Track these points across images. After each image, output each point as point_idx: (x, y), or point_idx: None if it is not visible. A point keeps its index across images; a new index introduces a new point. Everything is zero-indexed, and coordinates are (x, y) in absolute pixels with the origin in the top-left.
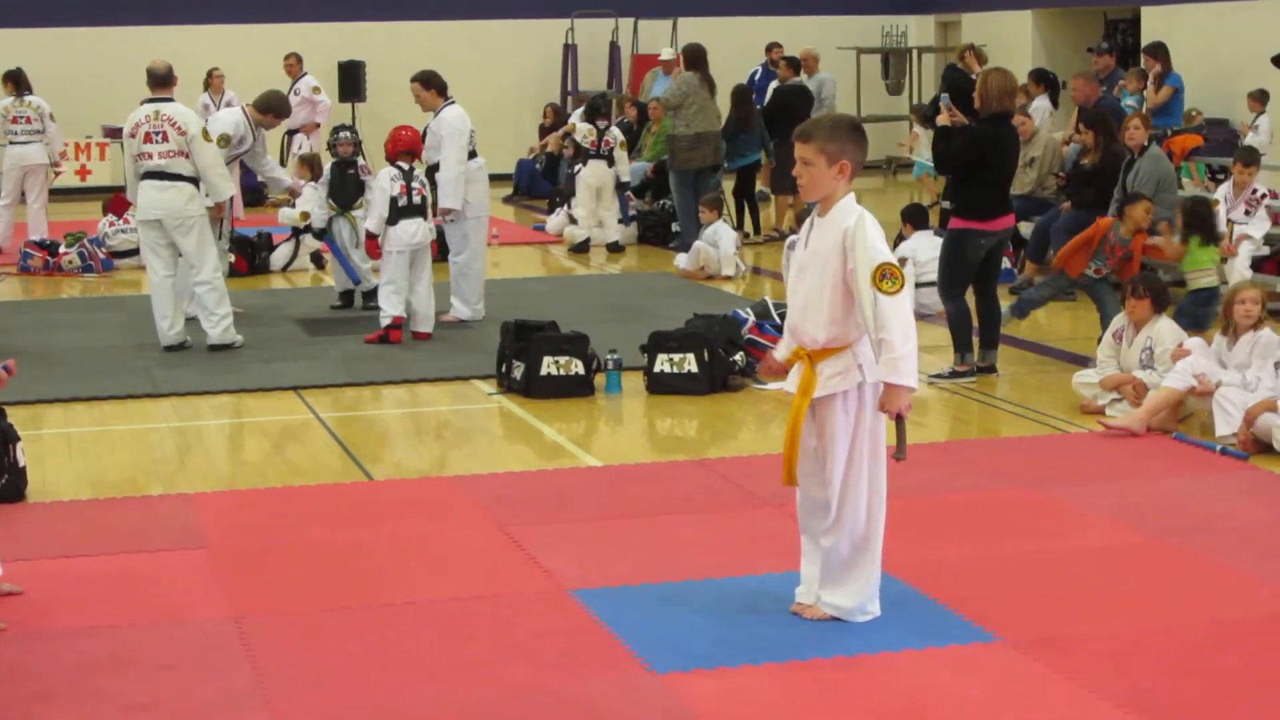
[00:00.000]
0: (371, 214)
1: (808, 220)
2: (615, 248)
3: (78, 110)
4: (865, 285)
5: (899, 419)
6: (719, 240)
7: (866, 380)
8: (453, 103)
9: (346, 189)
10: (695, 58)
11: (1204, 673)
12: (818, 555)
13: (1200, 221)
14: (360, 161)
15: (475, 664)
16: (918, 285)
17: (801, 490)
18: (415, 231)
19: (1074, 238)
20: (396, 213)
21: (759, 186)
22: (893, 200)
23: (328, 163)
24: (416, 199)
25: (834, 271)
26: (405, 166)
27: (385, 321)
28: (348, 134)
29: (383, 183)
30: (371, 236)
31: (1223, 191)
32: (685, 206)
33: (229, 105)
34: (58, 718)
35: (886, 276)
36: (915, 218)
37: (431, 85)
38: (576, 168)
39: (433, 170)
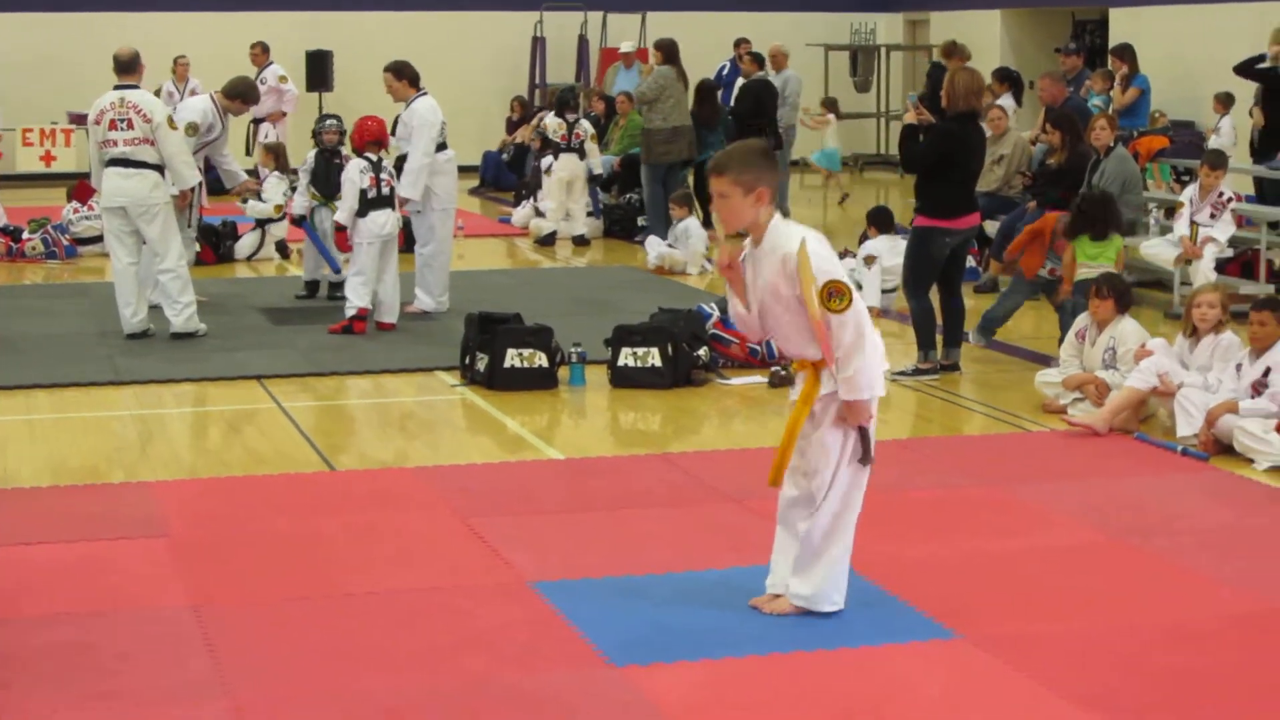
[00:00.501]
0: (342, 206)
1: (744, 255)
2: (581, 241)
3: (43, 96)
4: (815, 308)
5: (861, 429)
6: (689, 237)
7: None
8: (425, 94)
9: (330, 178)
10: (670, 52)
11: (1163, 672)
12: (792, 547)
13: (1089, 222)
14: (344, 151)
15: (435, 655)
16: (883, 291)
17: (788, 483)
18: (385, 222)
19: (1022, 234)
20: (366, 204)
21: None
22: (859, 197)
23: (311, 151)
24: (385, 190)
25: (787, 298)
26: (374, 158)
27: (350, 312)
28: (334, 122)
29: (352, 174)
30: (341, 228)
31: (1188, 194)
32: (655, 200)
33: (193, 93)
34: (17, 705)
35: (834, 295)
36: (880, 220)
37: (403, 76)
38: (546, 162)
39: (402, 161)
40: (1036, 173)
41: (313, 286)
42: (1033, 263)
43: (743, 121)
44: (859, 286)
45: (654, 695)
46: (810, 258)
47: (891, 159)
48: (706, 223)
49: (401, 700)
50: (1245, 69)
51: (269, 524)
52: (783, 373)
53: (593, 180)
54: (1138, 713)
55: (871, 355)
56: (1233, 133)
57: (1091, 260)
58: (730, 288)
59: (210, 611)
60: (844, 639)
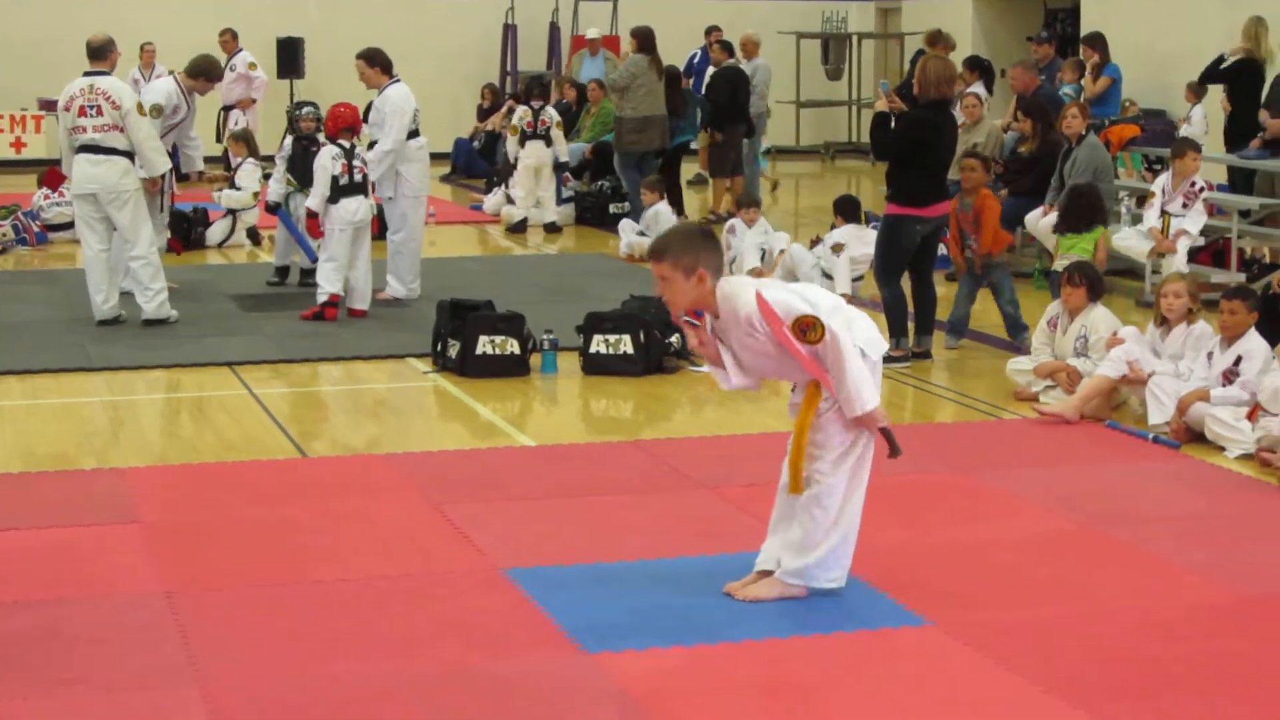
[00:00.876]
0: (313, 192)
1: (709, 327)
2: (552, 228)
3: (13, 82)
4: (797, 347)
5: (883, 430)
6: (660, 222)
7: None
8: (398, 81)
9: (307, 165)
10: (646, 40)
11: (1131, 660)
12: (784, 525)
13: (1077, 215)
14: (320, 138)
15: (407, 642)
16: (853, 279)
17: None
18: (357, 209)
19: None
20: (338, 191)
21: (697, 170)
22: (829, 185)
23: (288, 138)
24: (358, 176)
25: (767, 347)
26: (346, 145)
27: (322, 298)
28: (311, 110)
29: (324, 161)
30: (312, 215)
31: (1160, 183)
32: (634, 187)
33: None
34: None
35: (805, 329)
36: (846, 209)
37: (376, 63)
38: (512, 150)
39: (373, 147)
40: (1008, 161)
41: (284, 272)
42: (953, 249)
43: (719, 109)
44: (828, 276)
45: (627, 681)
46: (771, 307)
47: (863, 147)
48: (678, 209)
49: (373, 687)
50: (1209, 75)
51: (241, 510)
52: None
53: (559, 168)
54: (1107, 700)
55: (859, 368)
56: (1204, 122)
57: (1068, 250)
58: (712, 366)
59: (181, 598)
60: (816, 625)
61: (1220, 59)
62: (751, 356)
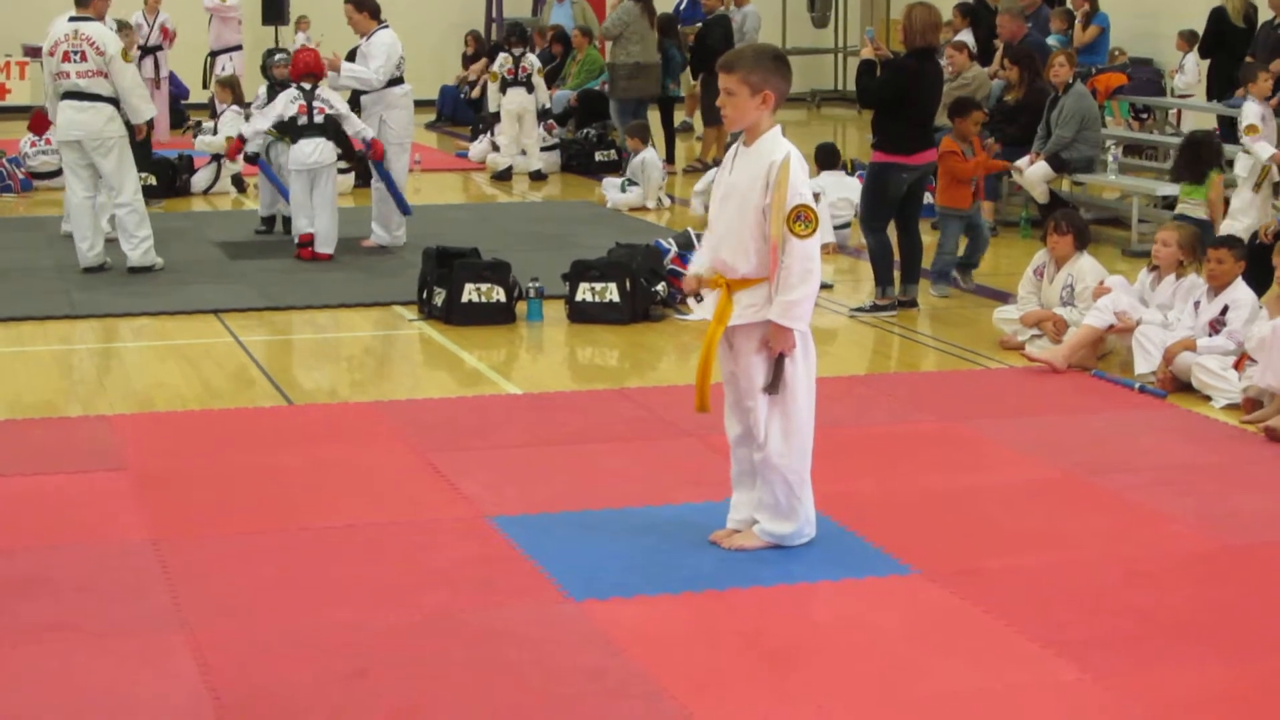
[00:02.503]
0: (252, 123)
1: (732, 148)
2: (538, 176)
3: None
4: (780, 224)
5: (781, 357)
6: (646, 170)
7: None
8: (386, 26)
9: None
10: None
11: (1118, 609)
12: (747, 480)
13: (1192, 165)
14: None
15: (392, 589)
16: (835, 227)
17: (727, 417)
18: (313, 151)
19: (943, 179)
20: (296, 132)
21: (682, 118)
22: (816, 133)
23: (262, 86)
24: (318, 118)
25: (754, 204)
26: (307, 87)
27: (295, 238)
28: (283, 56)
29: (279, 104)
30: (240, 139)
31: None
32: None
33: (164, 28)
34: None
35: (800, 219)
36: (825, 158)
37: (364, 8)
38: (494, 97)
39: (359, 93)
40: (994, 109)
41: (269, 221)
42: (963, 195)
43: (713, 57)
44: None
45: (612, 629)
46: (790, 174)
47: (848, 95)
48: (669, 156)
49: (359, 634)
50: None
51: (227, 458)
52: None
53: (542, 115)
54: (1093, 649)
55: (815, 288)
56: (1196, 70)
57: (1188, 198)
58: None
59: (168, 545)
60: (802, 574)
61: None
62: (735, 201)
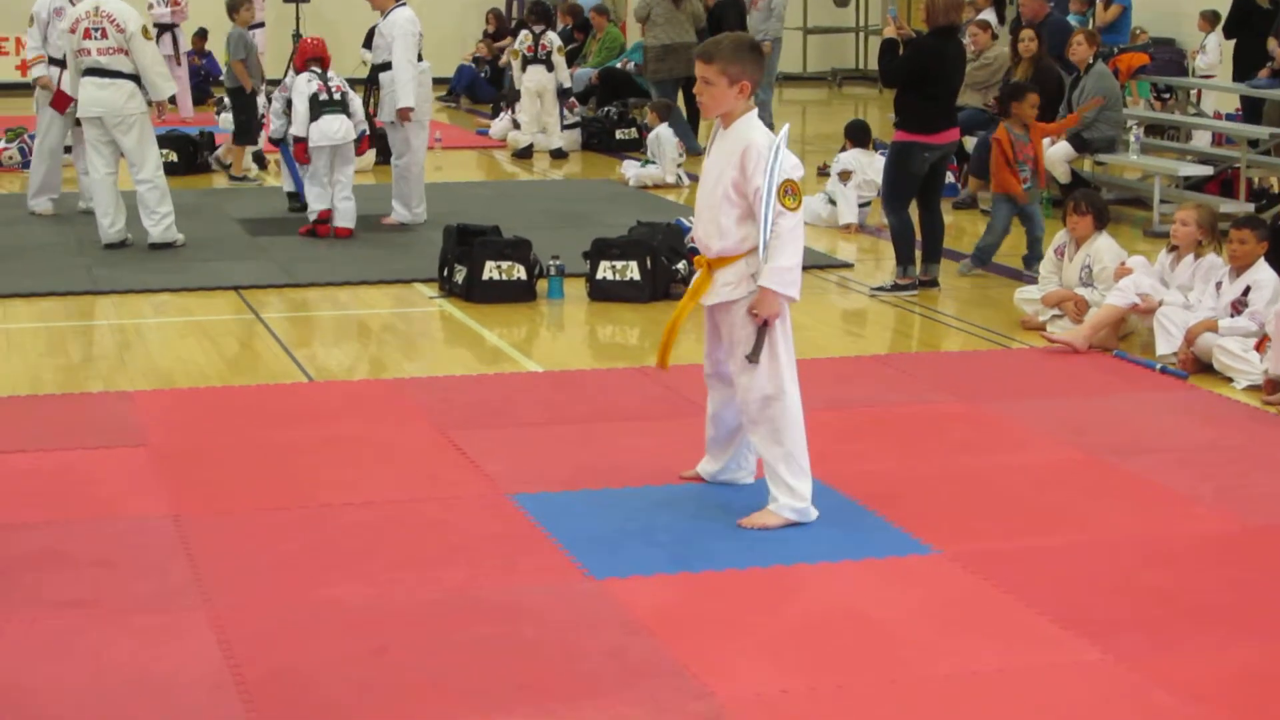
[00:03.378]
0: (295, 117)
1: (713, 132)
2: (558, 154)
3: (16, 4)
4: (772, 198)
5: (765, 324)
6: (662, 145)
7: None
8: (404, 4)
9: None
10: None
11: (1138, 590)
12: (718, 447)
13: None
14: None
15: (412, 566)
16: (859, 206)
17: (712, 390)
18: (339, 128)
19: (992, 165)
20: (318, 108)
21: None
22: (837, 112)
23: (292, 73)
24: (336, 95)
25: (726, 183)
26: (317, 70)
27: (312, 217)
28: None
29: (300, 86)
30: (299, 140)
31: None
32: (676, 113)
33: (175, 2)
34: None
35: (789, 193)
36: (856, 135)
37: None
38: (516, 78)
39: (378, 70)
40: (1001, 89)
41: (296, 197)
42: (1012, 182)
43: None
44: (832, 203)
45: (633, 608)
46: (781, 152)
47: (870, 74)
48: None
49: (378, 611)
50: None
51: (247, 434)
52: None
53: (562, 94)
54: (1114, 629)
55: (800, 261)
56: (1218, 50)
57: None
58: None
59: (189, 520)
60: (822, 554)
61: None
62: (712, 182)
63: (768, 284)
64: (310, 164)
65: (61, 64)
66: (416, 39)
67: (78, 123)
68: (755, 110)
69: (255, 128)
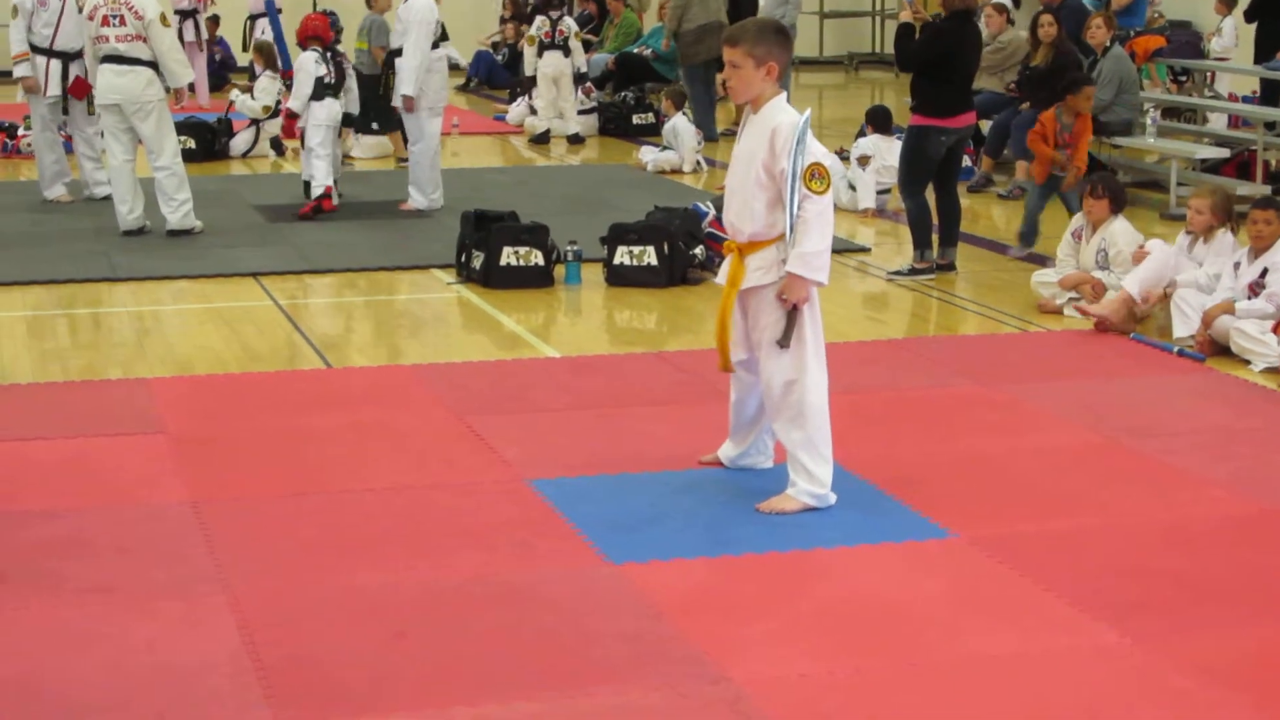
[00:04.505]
0: (295, 93)
1: (743, 116)
2: (575, 139)
3: None
4: (798, 182)
5: (794, 309)
6: (679, 134)
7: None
8: None
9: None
10: None
11: (1156, 573)
12: (742, 433)
13: None
14: (340, 49)
15: (431, 552)
16: (877, 192)
17: (734, 378)
18: (338, 110)
19: (1032, 143)
20: (323, 89)
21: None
22: (854, 96)
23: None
24: (333, 79)
25: (757, 167)
26: (319, 49)
27: (318, 191)
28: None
29: (307, 65)
30: (292, 116)
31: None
32: (698, 99)
33: None
34: (13, 599)
35: (816, 176)
36: (878, 119)
37: None
38: (531, 60)
39: (393, 55)
40: (1021, 74)
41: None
42: (1041, 153)
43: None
44: (852, 188)
45: (652, 593)
46: (807, 136)
47: (886, 58)
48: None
49: (397, 596)
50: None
51: (266, 421)
52: None
53: (579, 79)
54: (1132, 612)
55: (829, 245)
56: (1235, 34)
57: None
58: None
59: (208, 507)
60: (841, 538)
61: None
62: (743, 165)
63: (795, 269)
64: (313, 137)
65: (47, 52)
66: (432, 27)
67: (65, 110)
68: (784, 94)
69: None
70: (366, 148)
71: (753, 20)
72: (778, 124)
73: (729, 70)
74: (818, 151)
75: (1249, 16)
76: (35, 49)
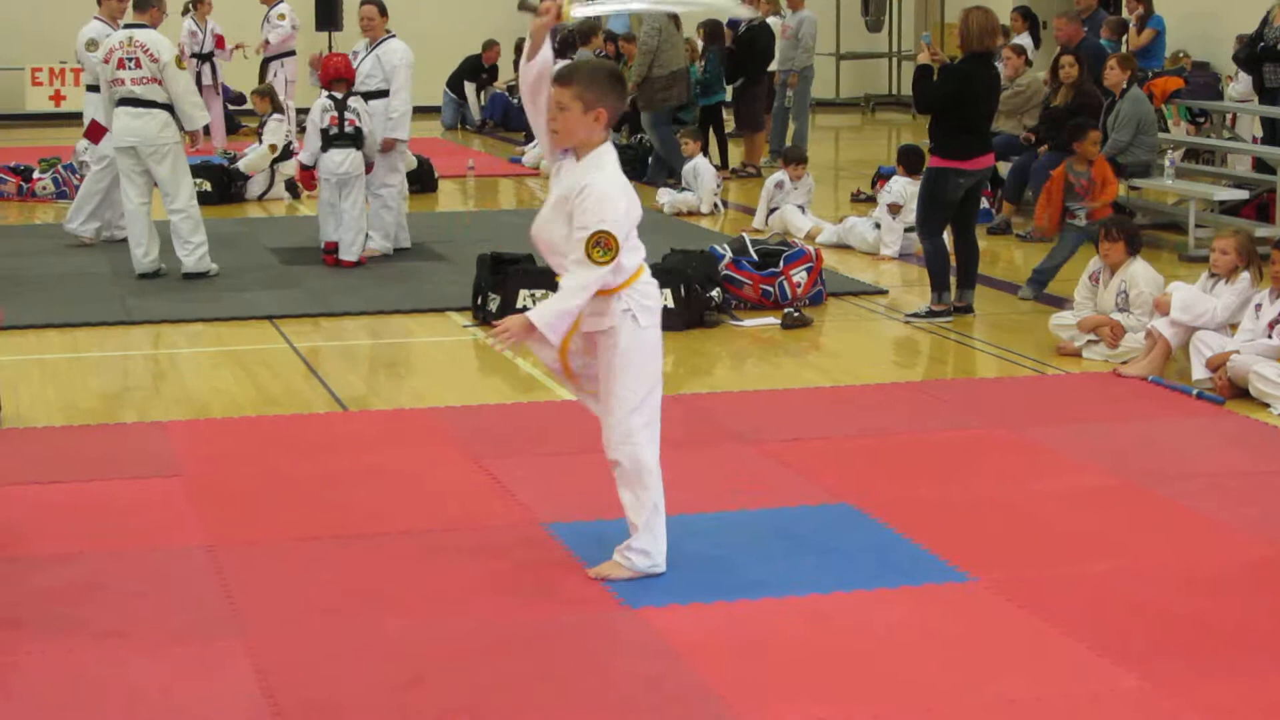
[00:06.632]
0: (305, 146)
1: (562, 160)
2: None
3: (52, 33)
4: (579, 247)
5: (496, 335)
6: (699, 175)
7: (625, 324)
8: (394, 35)
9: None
10: None
11: (1176, 617)
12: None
13: None
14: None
15: (447, 596)
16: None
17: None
18: (342, 161)
19: (1041, 198)
20: (327, 141)
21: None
22: (870, 138)
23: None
24: (349, 129)
25: (562, 218)
26: (339, 96)
27: (321, 246)
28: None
29: (314, 115)
30: (305, 168)
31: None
32: (668, 142)
33: (215, 35)
34: (28, 644)
35: (599, 245)
36: (909, 160)
37: (385, 13)
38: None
39: (365, 97)
40: (1042, 116)
41: None
42: (1055, 219)
43: (754, 63)
44: (876, 225)
45: (669, 636)
46: (601, 198)
47: (903, 99)
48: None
49: (415, 641)
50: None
51: (282, 464)
52: (796, 314)
53: None
54: (1151, 657)
55: (574, 306)
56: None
57: None
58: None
59: (224, 551)
60: (859, 581)
61: (1258, 35)
62: (549, 214)
63: (532, 315)
64: (317, 192)
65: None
66: (411, 69)
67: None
68: (609, 144)
69: None
70: None
71: (586, 61)
72: (589, 183)
73: (555, 111)
74: (608, 219)
75: (1245, 67)
76: (88, 87)
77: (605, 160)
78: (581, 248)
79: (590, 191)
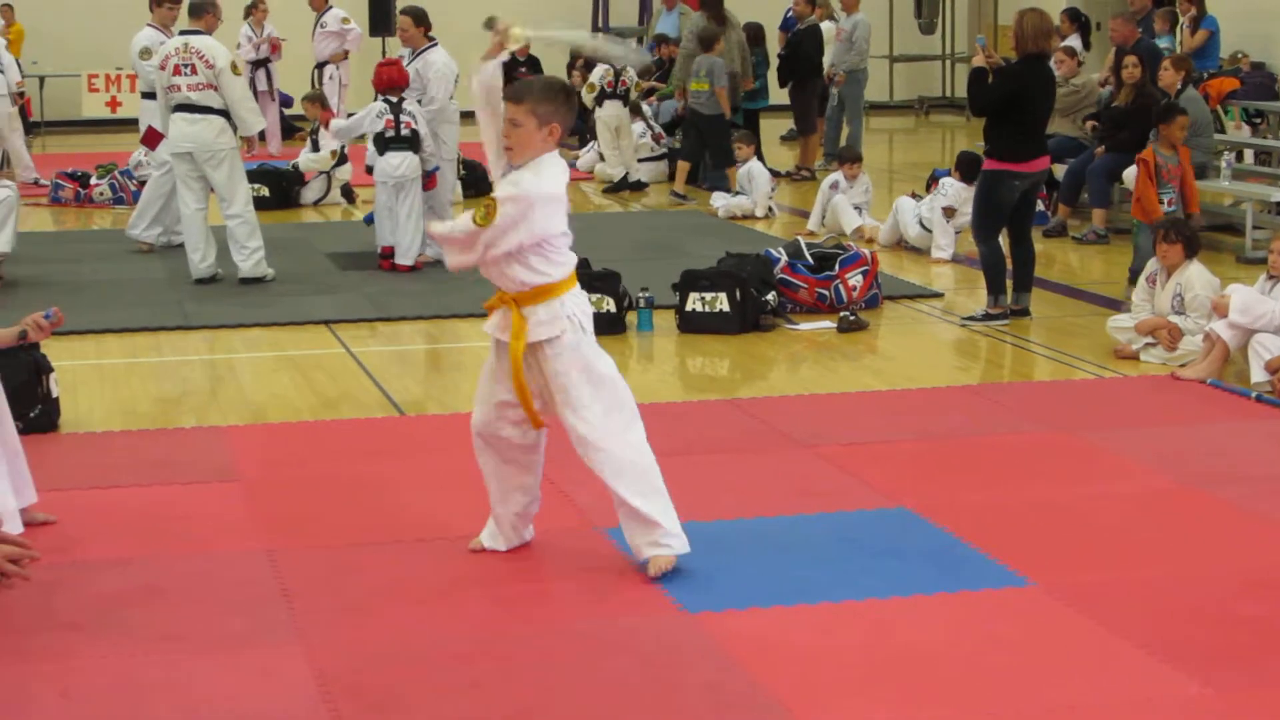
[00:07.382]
0: (369, 152)
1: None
2: (638, 186)
3: (108, 40)
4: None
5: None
6: (754, 179)
7: (571, 329)
8: (435, 44)
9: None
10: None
11: (1234, 621)
12: (516, 498)
13: None
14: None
15: (505, 600)
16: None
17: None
18: (399, 164)
19: (1136, 187)
20: (384, 144)
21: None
22: (924, 140)
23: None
24: (405, 131)
25: None
26: (393, 100)
27: (378, 250)
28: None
29: (365, 118)
30: (369, 169)
31: None
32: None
33: (271, 40)
34: (87, 648)
35: (485, 210)
36: (966, 167)
37: (422, 23)
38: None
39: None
40: (1101, 114)
41: None
42: (1153, 206)
43: (803, 66)
44: (925, 229)
45: (729, 642)
46: (508, 183)
47: (956, 101)
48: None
49: (472, 645)
50: None
51: (340, 468)
52: (851, 318)
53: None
54: (1211, 662)
55: (458, 238)
56: None
57: None
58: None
59: (283, 555)
60: (918, 586)
61: None
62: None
63: (435, 227)
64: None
65: (154, 97)
66: (453, 80)
67: None
68: (555, 154)
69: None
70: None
71: (539, 78)
72: (517, 179)
73: (509, 127)
74: (508, 195)
75: None
76: (144, 94)
77: (543, 167)
78: (471, 211)
79: (511, 178)
